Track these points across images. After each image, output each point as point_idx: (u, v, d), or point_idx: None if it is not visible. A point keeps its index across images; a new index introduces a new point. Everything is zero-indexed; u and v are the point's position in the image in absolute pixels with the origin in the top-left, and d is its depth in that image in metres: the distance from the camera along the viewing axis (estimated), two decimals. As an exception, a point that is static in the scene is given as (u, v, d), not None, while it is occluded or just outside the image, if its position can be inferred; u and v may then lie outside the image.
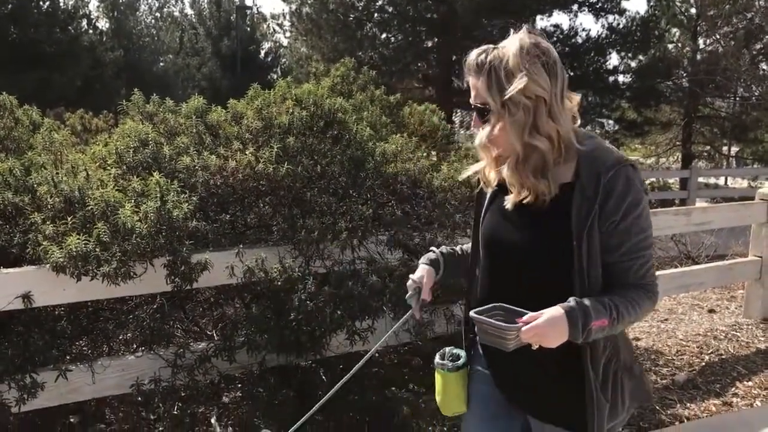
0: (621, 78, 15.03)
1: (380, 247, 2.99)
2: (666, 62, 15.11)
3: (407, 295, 1.92)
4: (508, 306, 1.63)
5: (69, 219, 2.60)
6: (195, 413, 3.14)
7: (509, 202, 1.71)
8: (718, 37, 15.70)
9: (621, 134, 16.65)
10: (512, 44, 1.64)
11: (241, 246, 2.74)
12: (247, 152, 2.75)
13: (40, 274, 2.61)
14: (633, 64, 15.03)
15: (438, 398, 1.95)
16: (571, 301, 1.57)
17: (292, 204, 2.87)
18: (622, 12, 14.39)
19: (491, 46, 1.68)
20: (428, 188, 3.05)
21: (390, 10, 14.26)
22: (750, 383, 4.03)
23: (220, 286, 2.94)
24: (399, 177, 3.04)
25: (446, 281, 2.03)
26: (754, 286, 5.10)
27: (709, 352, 4.48)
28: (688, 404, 3.75)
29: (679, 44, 15.47)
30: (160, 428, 3.33)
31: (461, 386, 1.90)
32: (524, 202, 1.68)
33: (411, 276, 1.93)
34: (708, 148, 18.86)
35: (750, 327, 4.94)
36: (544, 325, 1.53)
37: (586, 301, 1.57)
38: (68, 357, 2.84)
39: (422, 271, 1.92)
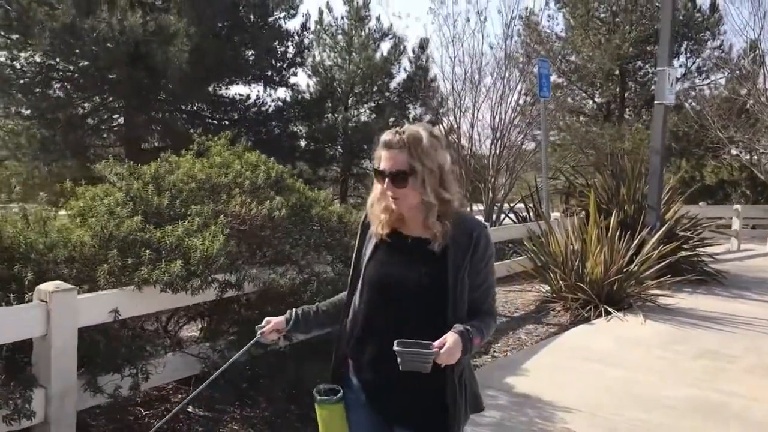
0: (301, 143, 17.61)
1: (324, 265, 4.44)
2: (331, 130, 18.20)
3: (257, 326, 2.30)
4: (407, 340, 1.92)
5: (143, 251, 3.55)
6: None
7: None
8: (365, 110, 19.53)
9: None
10: (419, 129, 2.10)
11: (258, 265, 3.99)
12: (257, 202, 4.02)
13: (122, 293, 3.53)
14: (306, 130, 17.75)
15: (324, 430, 2.17)
16: (458, 326, 2.00)
17: (279, 237, 4.19)
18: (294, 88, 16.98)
19: (398, 128, 2.09)
20: (349, 223, 4.62)
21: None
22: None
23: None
24: (331, 216, 4.55)
25: (294, 333, 2.40)
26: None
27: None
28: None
29: (338, 116, 18.62)
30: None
31: (343, 415, 2.17)
32: (415, 248, 2.13)
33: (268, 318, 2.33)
34: (361, 199, 22.57)
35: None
36: (454, 347, 1.93)
37: (467, 326, 2.02)
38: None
39: (276, 319, 2.31)
